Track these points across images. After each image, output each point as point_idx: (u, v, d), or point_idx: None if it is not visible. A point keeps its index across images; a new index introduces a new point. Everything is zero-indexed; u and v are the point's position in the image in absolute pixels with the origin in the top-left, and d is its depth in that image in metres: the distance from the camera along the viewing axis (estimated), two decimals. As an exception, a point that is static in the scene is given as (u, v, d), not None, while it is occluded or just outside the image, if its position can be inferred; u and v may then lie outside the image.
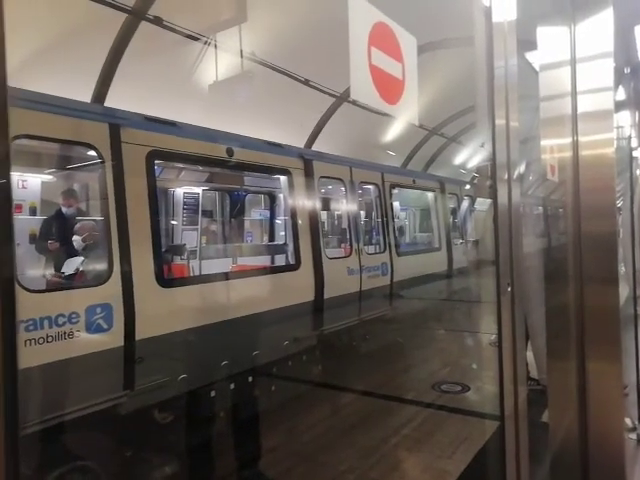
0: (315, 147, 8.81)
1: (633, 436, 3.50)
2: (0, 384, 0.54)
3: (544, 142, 2.40)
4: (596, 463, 2.41)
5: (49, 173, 6.17)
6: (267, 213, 9.67)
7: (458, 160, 13.88)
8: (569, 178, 2.31)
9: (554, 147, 2.30)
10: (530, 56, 2.58)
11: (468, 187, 11.29)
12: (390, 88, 1.11)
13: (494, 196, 1.44)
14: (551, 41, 2.10)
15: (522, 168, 2.17)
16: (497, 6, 1.36)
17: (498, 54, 1.38)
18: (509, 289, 1.50)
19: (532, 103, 2.30)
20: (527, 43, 2.41)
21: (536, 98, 2.27)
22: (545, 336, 2.91)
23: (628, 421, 3.36)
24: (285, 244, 6.77)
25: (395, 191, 8.54)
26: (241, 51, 5.81)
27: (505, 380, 1.66)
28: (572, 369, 2.46)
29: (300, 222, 5.96)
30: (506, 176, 1.44)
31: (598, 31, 2.10)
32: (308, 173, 6.11)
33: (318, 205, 6.52)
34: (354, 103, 8.17)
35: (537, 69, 2.29)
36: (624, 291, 4.24)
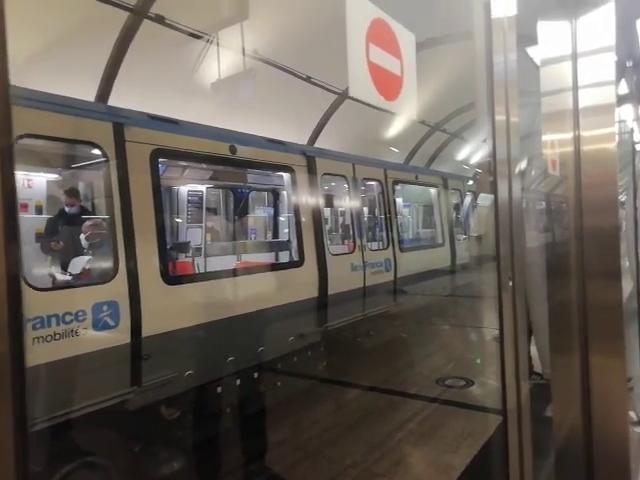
0: (318, 144, 8.81)
1: (638, 429, 3.51)
2: (9, 381, 0.56)
3: (545, 137, 2.40)
4: (600, 457, 2.41)
5: (54, 172, 6.21)
6: (271, 210, 9.69)
7: (461, 156, 13.84)
8: (571, 173, 2.31)
9: (555, 142, 2.30)
10: (531, 51, 2.57)
11: (471, 183, 11.27)
12: (389, 85, 1.12)
13: (494, 191, 1.45)
14: (552, 35, 2.10)
15: (523, 164, 2.17)
16: (497, 1, 1.37)
17: (497, 50, 1.38)
18: (510, 283, 1.51)
19: (534, 98, 2.30)
20: (528, 38, 2.41)
21: (538, 93, 2.26)
22: (548, 331, 2.91)
23: (633, 414, 3.36)
24: (289, 241, 6.79)
25: (398, 187, 8.54)
26: (243, 49, 5.82)
27: (507, 375, 1.67)
28: (575, 364, 2.47)
29: (303, 219, 5.97)
30: (507, 172, 1.45)
31: (600, 25, 2.09)
32: (311, 170, 6.12)
33: (321, 202, 6.53)
34: (356, 100, 8.16)
35: (538, 64, 2.29)
36: (628, 285, 4.24)
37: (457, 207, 10.77)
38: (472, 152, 13.60)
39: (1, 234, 0.52)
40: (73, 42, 5.44)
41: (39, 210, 6.23)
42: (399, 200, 10.43)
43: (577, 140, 2.20)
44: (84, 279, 4.35)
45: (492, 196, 1.56)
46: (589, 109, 2.12)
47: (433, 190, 9.85)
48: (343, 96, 8.24)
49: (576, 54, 2.05)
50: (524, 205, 1.85)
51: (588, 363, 2.42)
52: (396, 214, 8.30)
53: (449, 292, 9.60)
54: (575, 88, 2.07)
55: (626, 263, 4.49)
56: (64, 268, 4.73)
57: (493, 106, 1.39)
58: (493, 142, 1.42)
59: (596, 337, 2.30)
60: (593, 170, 2.22)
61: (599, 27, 2.08)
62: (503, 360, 1.61)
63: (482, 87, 1.42)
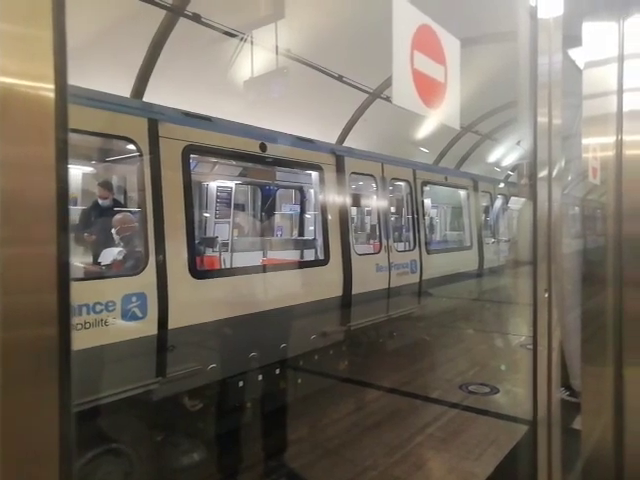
0: (347, 143, 8.79)
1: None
2: (57, 363, 0.57)
3: (586, 141, 2.33)
4: (633, 476, 2.33)
5: (90, 165, 6.37)
6: (297, 208, 9.72)
7: (492, 158, 13.59)
8: (611, 178, 2.23)
9: (596, 146, 2.23)
10: (572, 53, 2.50)
11: (502, 185, 11.04)
12: (432, 91, 1.09)
13: (533, 195, 1.41)
14: (598, 37, 2.03)
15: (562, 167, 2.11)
16: (543, 2, 1.33)
17: (542, 51, 1.35)
18: (546, 295, 1.46)
19: (572, 100, 2.23)
20: (571, 39, 2.34)
21: (576, 95, 2.20)
22: (579, 340, 2.83)
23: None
24: (314, 239, 6.80)
25: (426, 188, 8.44)
26: (276, 47, 5.84)
27: (539, 386, 1.63)
28: (609, 375, 2.39)
29: (330, 217, 5.96)
30: (547, 175, 1.41)
31: (648, 26, 2.01)
32: (339, 169, 6.10)
33: (348, 201, 6.49)
34: (387, 99, 8.10)
35: (579, 66, 2.22)
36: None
37: (487, 210, 10.58)
38: (504, 154, 13.33)
39: (55, 224, 0.53)
40: (110, 38, 5.56)
41: (74, 202, 6.40)
42: (427, 201, 10.31)
43: (619, 144, 2.13)
44: (115, 270, 4.45)
45: (526, 200, 1.52)
46: (634, 113, 2.05)
47: (462, 192, 9.70)
48: (374, 95, 8.19)
49: (623, 56, 1.97)
50: (562, 211, 1.80)
51: (622, 375, 2.34)
52: (424, 215, 8.21)
53: (475, 296, 9.45)
54: (620, 91, 2.00)
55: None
56: (96, 259, 4.84)
57: (536, 107, 1.35)
58: (534, 144, 1.38)
59: (632, 349, 2.22)
60: (635, 175, 2.15)
61: (647, 28, 2.00)
62: (535, 371, 1.57)
63: (525, 88, 1.38)
